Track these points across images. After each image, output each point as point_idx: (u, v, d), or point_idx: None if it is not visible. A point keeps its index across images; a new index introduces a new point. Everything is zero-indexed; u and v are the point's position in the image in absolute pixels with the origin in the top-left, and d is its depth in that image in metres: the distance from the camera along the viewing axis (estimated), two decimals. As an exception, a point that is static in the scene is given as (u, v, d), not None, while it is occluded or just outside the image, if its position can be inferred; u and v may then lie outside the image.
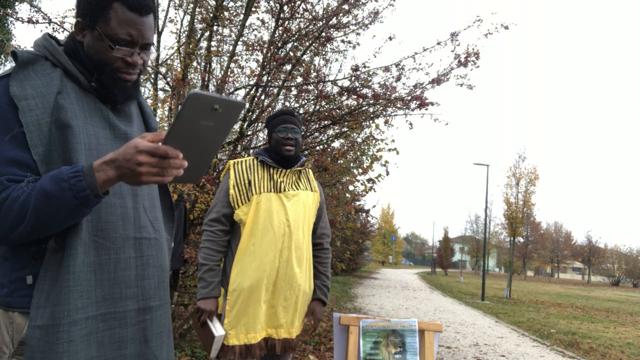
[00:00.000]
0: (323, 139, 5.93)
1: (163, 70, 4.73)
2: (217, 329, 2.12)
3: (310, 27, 4.80)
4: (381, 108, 5.27)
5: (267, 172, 2.28)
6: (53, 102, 1.14)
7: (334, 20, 4.86)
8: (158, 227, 1.33)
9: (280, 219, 2.20)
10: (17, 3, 12.25)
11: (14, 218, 1.04)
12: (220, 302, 2.22)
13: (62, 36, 4.57)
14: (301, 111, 5.40)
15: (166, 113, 4.45)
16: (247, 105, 4.68)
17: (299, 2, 4.54)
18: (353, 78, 5.13)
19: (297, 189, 2.29)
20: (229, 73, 4.55)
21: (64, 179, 1.02)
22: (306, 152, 5.26)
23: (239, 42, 4.75)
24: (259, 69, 4.64)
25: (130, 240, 1.22)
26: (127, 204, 1.22)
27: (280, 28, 4.59)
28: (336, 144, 6.12)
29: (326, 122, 5.19)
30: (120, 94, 1.24)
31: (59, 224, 1.07)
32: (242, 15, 4.77)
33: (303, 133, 5.34)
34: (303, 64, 5.03)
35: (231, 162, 2.33)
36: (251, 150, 5.18)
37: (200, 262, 2.21)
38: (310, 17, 4.84)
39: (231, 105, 1.01)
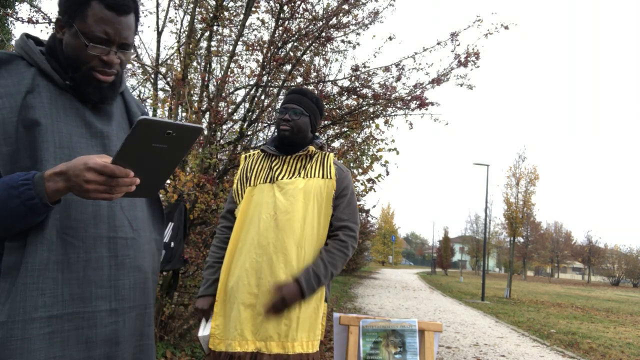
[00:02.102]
0: (323, 139, 5.93)
1: (163, 70, 4.73)
2: (204, 328, 2.00)
3: (310, 27, 4.80)
4: (381, 108, 5.27)
5: (268, 161, 2.09)
6: (21, 101, 1.13)
7: (334, 20, 4.86)
8: (137, 226, 1.29)
9: (268, 211, 1.94)
10: (17, 3, 12.25)
11: None
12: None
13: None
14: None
15: (166, 113, 4.45)
16: (247, 105, 4.68)
17: (299, 2, 4.54)
18: (353, 78, 5.13)
19: (297, 177, 2.00)
20: (229, 73, 4.55)
21: (14, 186, 1.03)
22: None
23: (239, 42, 4.75)
24: (259, 69, 4.64)
25: (104, 240, 1.19)
26: (100, 202, 1.19)
27: (280, 28, 4.59)
28: (336, 144, 6.12)
29: (326, 122, 5.19)
30: (94, 93, 1.22)
31: (8, 227, 1.07)
32: (242, 15, 4.77)
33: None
34: (303, 64, 5.03)
35: (243, 155, 2.21)
36: (251, 151, 5.18)
37: (206, 260, 2.13)
38: (310, 17, 4.84)
39: (186, 130, 1.02)
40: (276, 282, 1.87)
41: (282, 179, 2.00)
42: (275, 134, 2.13)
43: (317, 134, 2.22)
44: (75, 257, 1.15)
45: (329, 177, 2.03)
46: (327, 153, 2.13)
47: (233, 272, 1.96)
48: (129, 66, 5.25)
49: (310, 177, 2.01)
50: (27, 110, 1.13)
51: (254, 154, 2.17)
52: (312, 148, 2.06)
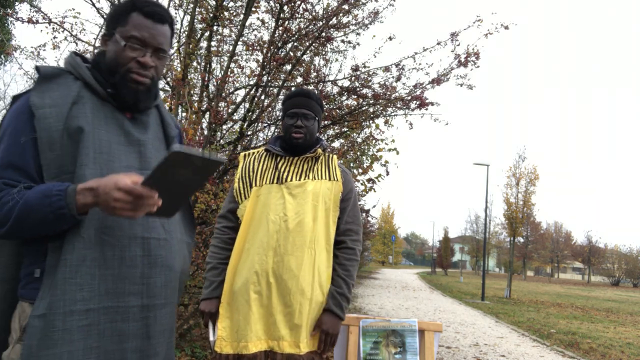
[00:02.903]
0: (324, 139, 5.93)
1: (163, 70, 4.72)
2: (214, 332, 1.99)
3: (310, 27, 4.80)
4: (381, 108, 5.27)
5: (273, 161, 2.05)
6: (67, 112, 1.25)
7: (334, 20, 4.86)
8: (170, 228, 1.37)
9: (277, 213, 1.93)
10: (17, 3, 12.25)
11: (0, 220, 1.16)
12: None
13: (61, 36, 4.56)
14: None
15: (166, 113, 4.45)
16: (247, 105, 4.68)
17: (299, 2, 4.54)
18: (353, 78, 5.13)
19: (306, 179, 2.00)
20: (229, 73, 4.55)
21: (48, 195, 1.14)
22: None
23: (239, 42, 4.75)
24: (259, 69, 4.64)
25: (138, 239, 1.28)
26: None
27: (280, 28, 4.59)
28: (336, 144, 6.12)
29: (326, 122, 5.19)
30: (130, 95, 1.32)
31: (39, 230, 1.18)
32: (242, 15, 4.77)
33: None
34: (303, 64, 5.03)
35: (242, 154, 2.18)
36: (252, 150, 5.17)
37: (207, 260, 2.09)
38: (310, 17, 4.84)
39: (212, 162, 1.12)
40: (319, 321, 1.95)
41: (290, 180, 1.99)
42: (276, 133, 2.14)
43: (319, 134, 2.21)
44: (111, 254, 1.24)
45: (335, 179, 2.04)
46: (331, 155, 2.13)
47: (240, 273, 1.94)
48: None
49: (318, 179, 2.01)
50: (72, 120, 1.24)
51: (254, 153, 2.14)
52: (320, 151, 2.06)
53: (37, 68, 1.30)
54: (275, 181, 1.99)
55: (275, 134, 5.12)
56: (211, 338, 1.98)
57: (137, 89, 1.32)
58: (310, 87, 5.19)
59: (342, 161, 5.64)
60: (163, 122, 1.48)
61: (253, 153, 2.15)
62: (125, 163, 1.31)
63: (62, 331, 1.15)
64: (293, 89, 5.18)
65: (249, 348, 1.87)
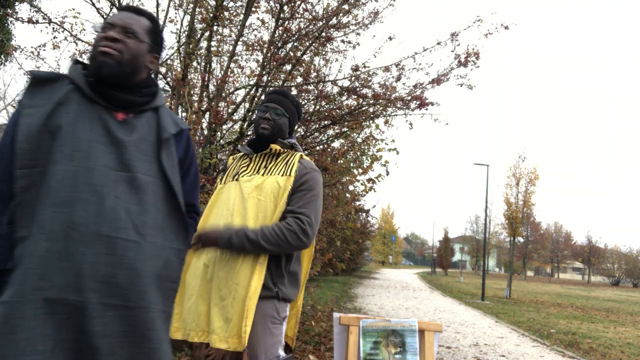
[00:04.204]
0: (323, 139, 5.93)
1: (163, 70, 4.72)
2: None
3: (310, 27, 4.80)
4: (381, 108, 5.27)
5: (241, 160, 2.17)
6: (51, 110, 1.34)
7: (334, 20, 4.86)
8: (144, 232, 1.38)
9: (228, 207, 2.00)
10: (17, 3, 12.25)
11: None
12: None
13: (61, 36, 4.56)
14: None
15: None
16: (247, 105, 4.68)
17: (299, 2, 4.54)
18: (353, 78, 5.13)
19: (256, 174, 2.04)
20: (229, 73, 4.55)
21: None
22: (306, 152, 5.26)
23: (239, 42, 4.75)
24: (259, 69, 4.64)
25: (103, 238, 1.30)
26: (105, 203, 1.32)
27: (280, 28, 4.59)
28: (336, 144, 6.12)
29: (326, 122, 5.19)
30: (94, 67, 1.39)
31: None
32: (242, 15, 4.77)
33: (303, 133, 5.34)
34: (303, 64, 5.03)
35: (231, 157, 2.28)
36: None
37: None
38: (310, 17, 4.84)
39: None
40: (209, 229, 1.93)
41: (243, 176, 2.05)
42: (254, 130, 2.17)
43: (294, 136, 2.25)
44: (75, 249, 1.27)
45: (288, 174, 2.01)
46: (296, 153, 2.12)
47: (193, 264, 2.00)
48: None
49: (270, 174, 2.02)
50: (53, 118, 1.34)
51: (238, 154, 2.24)
52: (275, 147, 2.08)
53: (30, 72, 1.41)
54: (234, 178, 2.08)
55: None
56: None
57: (102, 61, 1.39)
58: (310, 87, 5.20)
59: (341, 161, 5.64)
60: (159, 125, 1.50)
61: (238, 154, 2.24)
62: (102, 162, 1.35)
63: (20, 318, 1.20)
64: (293, 89, 5.19)
65: (191, 337, 1.93)
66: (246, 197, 1.98)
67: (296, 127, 5.36)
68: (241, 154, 2.21)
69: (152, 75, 1.61)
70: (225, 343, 1.82)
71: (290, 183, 1.99)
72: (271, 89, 2.37)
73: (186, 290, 2.00)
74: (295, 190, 2.00)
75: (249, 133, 4.96)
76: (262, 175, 2.02)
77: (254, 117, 4.58)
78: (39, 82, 1.38)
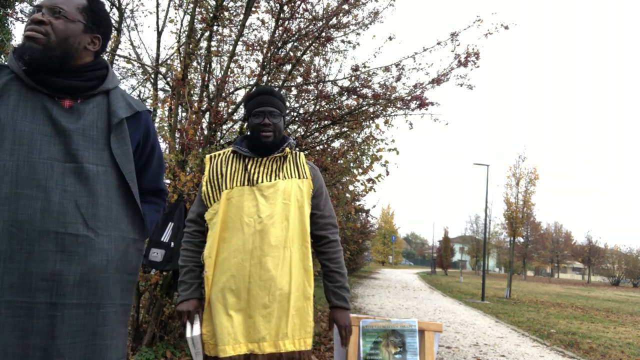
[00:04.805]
0: (323, 139, 5.92)
1: (163, 70, 4.73)
2: (192, 329, 1.93)
3: (310, 27, 4.80)
4: (381, 108, 5.27)
5: (242, 163, 2.03)
6: None
7: (334, 20, 4.86)
8: (96, 225, 1.31)
9: (251, 216, 1.92)
10: (17, 3, 12.25)
11: None
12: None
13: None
14: (301, 111, 5.40)
15: (166, 113, 4.45)
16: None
17: (299, 2, 4.54)
18: (353, 78, 5.13)
19: (276, 179, 1.98)
20: (229, 73, 4.55)
21: None
22: (306, 152, 5.26)
23: (239, 42, 4.75)
24: (259, 69, 4.64)
25: (51, 234, 1.24)
26: (51, 197, 1.25)
27: (280, 28, 4.58)
28: (336, 144, 6.12)
29: (326, 122, 5.18)
30: (19, 50, 1.32)
31: None
32: (242, 15, 4.77)
33: (303, 133, 5.34)
34: (303, 64, 5.03)
35: (208, 156, 2.12)
36: (218, 152, 5.17)
37: (180, 264, 2.02)
38: (310, 17, 4.84)
39: None
40: (330, 319, 2.09)
41: (261, 182, 1.97)
42: (252, 134, 2.08)
43: (289, 133, 2.24)
44: (19, 248, 1.20)
45: (305, 176, 2.05)
46: (298, 153, 2.14)
47: (219, 278, 1.93)
48: (128, 66, 5.25)
49: (288, 178, 2.01)
50: None
51: (220, 155, 2.11)
52: (288, 149, 2.06)
53: None
54: (246, 183, 1.97)
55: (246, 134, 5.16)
56: (189, 335, 1.95)
57: (27, 46, 1.31)
58: (310, 87, 5.20)
59: (342, 161, 5.64)
60: (109, 110, 1.41)
61: (220, 155, 2.11)
62: (46, 155, 1.27)
63: None
64: (293, 89, 5.19)
65: (226, 351, 1.85)
66: (274, 203, 1.94)
67: (296, 127, 5.37)
68: (225, 154, 2.10)
69: (105, 57, 1.52)
70: (276, 347, 1.89)
71: (310, 186, 2.06)
72: (255, 89, 2.30)
73: (216, 306, 1.92)
74: (316, 193, 2.09)
75: (249, 133, 4.96)
76: (282, 179, 2.00)
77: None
78: None
